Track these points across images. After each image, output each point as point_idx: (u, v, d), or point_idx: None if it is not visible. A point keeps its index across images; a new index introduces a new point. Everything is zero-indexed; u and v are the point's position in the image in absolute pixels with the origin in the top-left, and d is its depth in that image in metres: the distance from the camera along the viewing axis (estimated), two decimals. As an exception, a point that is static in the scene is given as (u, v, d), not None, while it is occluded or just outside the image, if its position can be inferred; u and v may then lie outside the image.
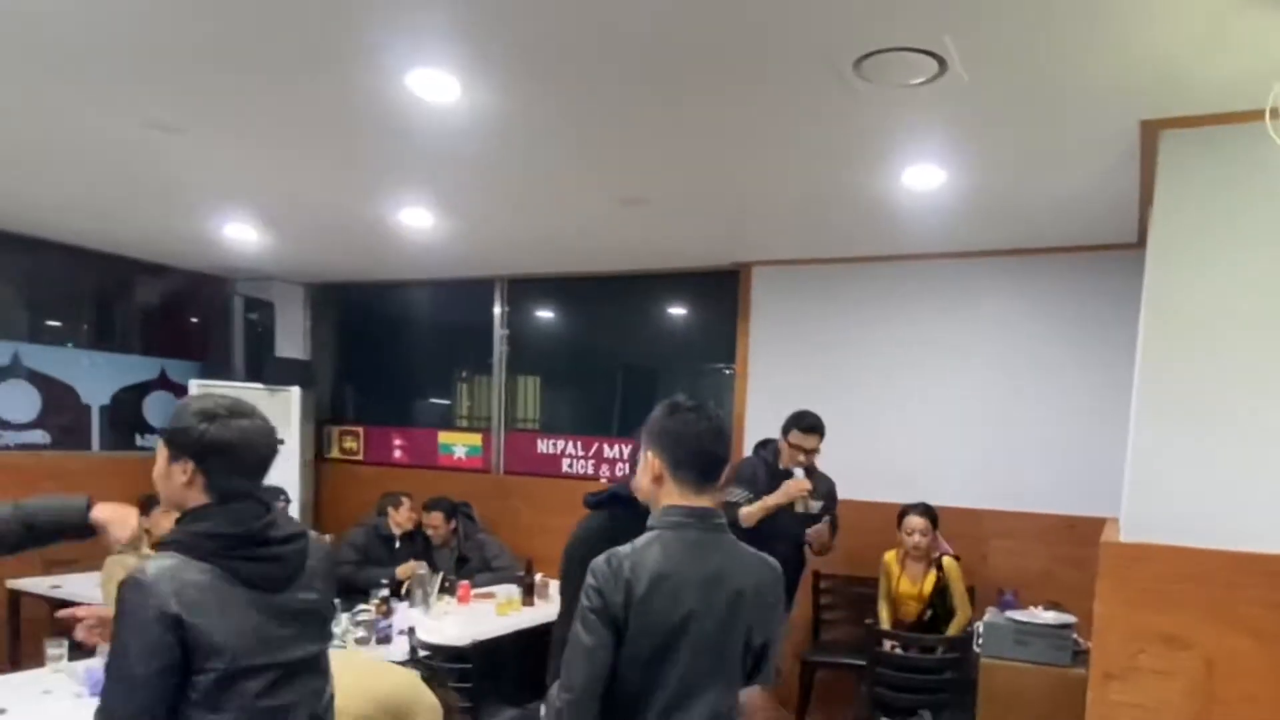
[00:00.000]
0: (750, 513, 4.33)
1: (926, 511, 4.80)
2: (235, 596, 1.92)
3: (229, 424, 1.98)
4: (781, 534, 4.34)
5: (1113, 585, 3.00)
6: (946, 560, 4.80)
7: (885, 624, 4.77)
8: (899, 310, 5.48)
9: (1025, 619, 4.12)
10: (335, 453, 7.59)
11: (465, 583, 5.27)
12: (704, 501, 2.10)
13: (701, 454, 2.10)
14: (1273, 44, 2.45)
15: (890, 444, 5.46)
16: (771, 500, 4.36)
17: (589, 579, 2.03)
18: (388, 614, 4.58)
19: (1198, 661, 2.94)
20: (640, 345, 6.61)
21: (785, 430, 4.53)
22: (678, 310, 6.55)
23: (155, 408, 7.20)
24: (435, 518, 5.63)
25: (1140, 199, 3.89)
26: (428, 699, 2.89)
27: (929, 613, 4.79)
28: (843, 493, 4.94)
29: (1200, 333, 3.01)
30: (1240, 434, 2.94)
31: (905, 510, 4.81)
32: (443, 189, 4.43)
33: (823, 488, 4.65)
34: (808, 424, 4.48)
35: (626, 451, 6.12)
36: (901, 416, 5.48)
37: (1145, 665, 2.99)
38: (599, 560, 2.04)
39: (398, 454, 7.30)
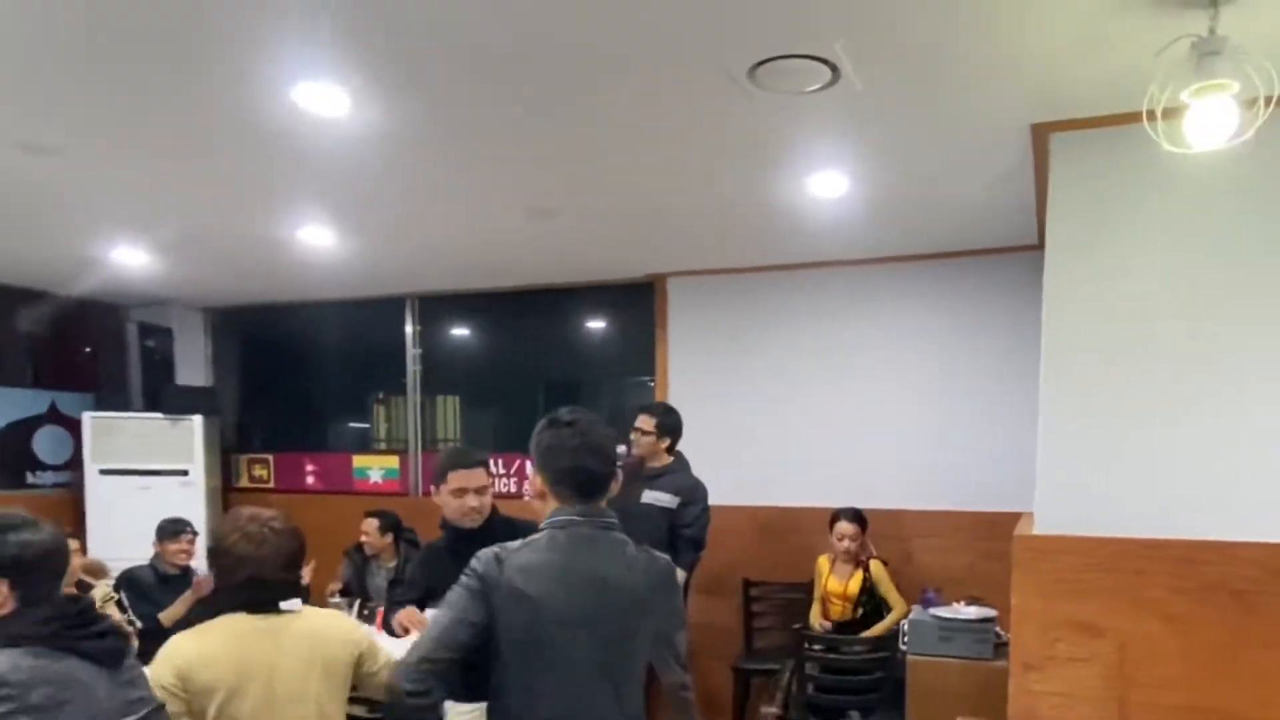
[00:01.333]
0: None
1: (856, 517, 4.89)
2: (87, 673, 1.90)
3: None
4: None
5: (1027, 577, 3.07)
6: (873, 564, 4.91)
7: (815, 626, 4.82)
8: (813, 316, 5.55)
9: (948, 615, 4.17)
10: (245, 481, 7.49)
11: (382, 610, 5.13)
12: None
13: (577, 470, 2.14)
14: (1148, 45, 2.54)
15: (814, 448, 5.54)
16: None
17: (472, 563, 2.10)
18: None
19: (1112, 647, 3.01)
20: (561, 360, 6.62)
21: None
22: (596, 324, 6.57)
23: (46, 443, 7.00)
24: (369, 524, 5.49)
25: (1036, 201, 3.99)
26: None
27: (859, 611, 4.86)
28: (772, 499, 5.08)
29: (1098, 329, 3.10)
30: (1141, 425, 3.04)
31: (836, 515, 4.90)
32: (340, 205, 4.38)
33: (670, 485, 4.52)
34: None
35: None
36: (824, 420, 5.55)
37: (1062, 654, 3.05)
38: (486, 550, 2.12)
39: (310, 480, 7.24)
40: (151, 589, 4.81)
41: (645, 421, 4.61)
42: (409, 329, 6.88)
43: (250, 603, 2.24)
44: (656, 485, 4.58)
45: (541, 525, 2.15)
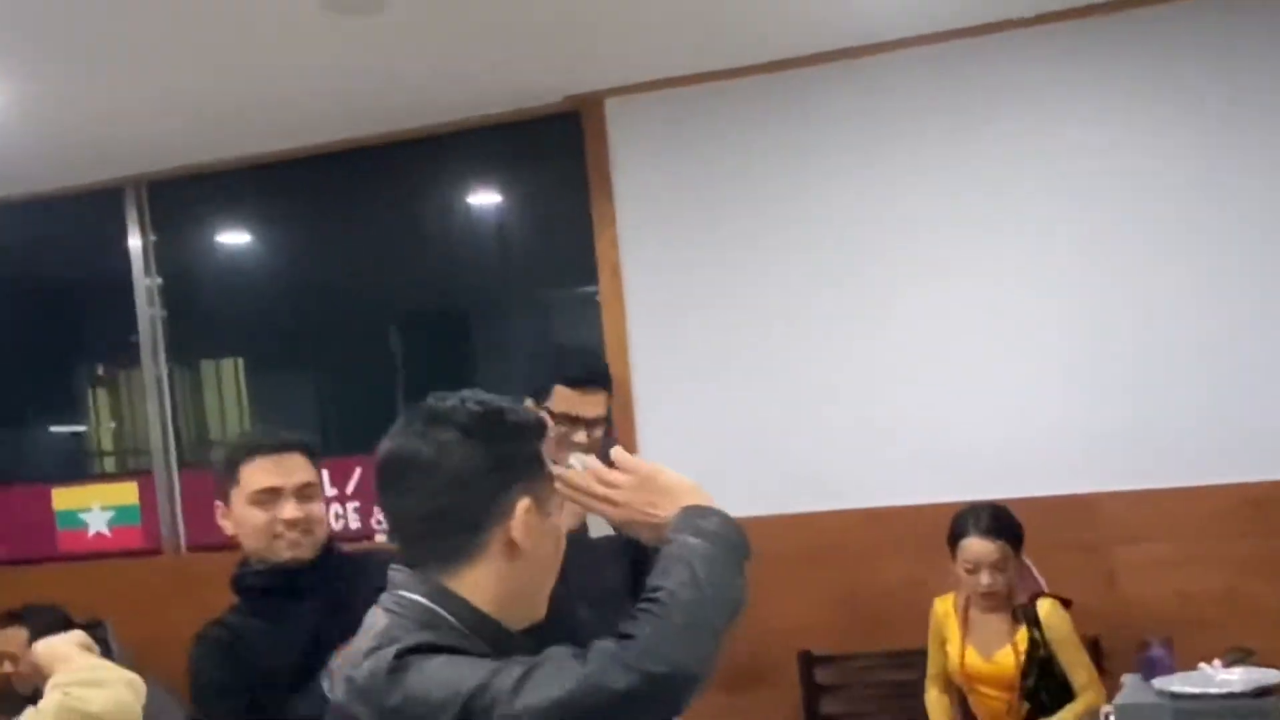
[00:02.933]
0: None
1: (997, 525, 4.77)
2: None
3: None
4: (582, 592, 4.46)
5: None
6: (1044, 606, 4.79)
7: None
8: (879, 149, 5.58)
9: (1191, 689, 4.05)
10: None
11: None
12: None
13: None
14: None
15: (899, 392, 5.57)
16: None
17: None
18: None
19: None
20: (428, 277, 6.84)
21: (537, 388, 4.19)
22: (482, 200, 6.76)
23: None
24: (12, 638, 5.38)
25: None
26: None
27: (1025, 706, 4.74)
28: (829, 499, 5.33)
29: None
30: None
31: (959, 526, 4.81)
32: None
33: None
34: (583, 371, 4.31)
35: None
36: (916, 340, 5.57)
37: None
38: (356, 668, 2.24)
39: None
40: None
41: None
42: (134, 242, 6.78)
43: None
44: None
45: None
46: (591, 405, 4.36)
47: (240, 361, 7.08)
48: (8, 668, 5.38)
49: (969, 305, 5.47)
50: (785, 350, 5.68)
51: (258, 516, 3.18)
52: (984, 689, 4.82)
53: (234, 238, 7.09)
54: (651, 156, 5.86)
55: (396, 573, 2.16)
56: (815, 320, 5.65)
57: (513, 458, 2.15)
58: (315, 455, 3.32)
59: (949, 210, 5.50)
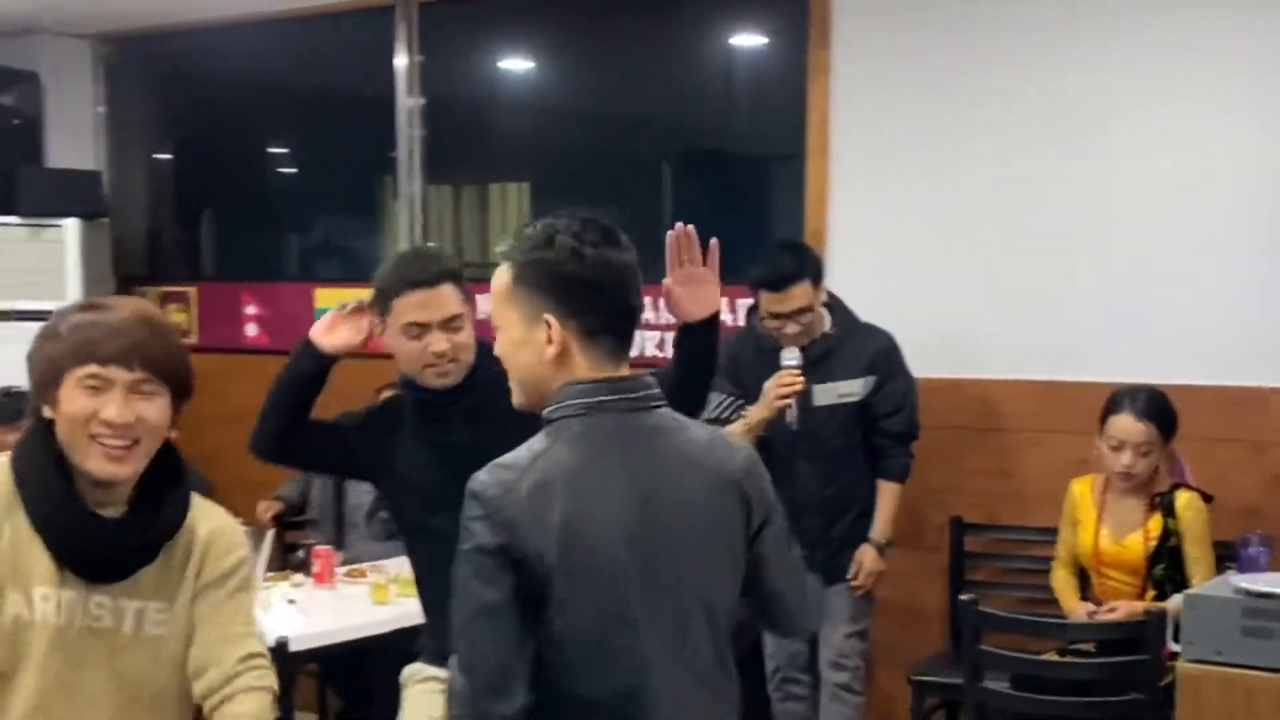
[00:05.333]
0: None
1: (1151, 408, 4.75)
2: None
3: None
4: (804, 450, 4.81)
5: None
6: (1183, 497, 4.78)
7: (1067, 604, 4.91)
8: (1097, 20, 5.40)
9: (1264, 588, 4.00)
10: None
11: (325, 550, 5.47)
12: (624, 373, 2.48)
13: (626, 309, 2.46)
14: None
15: (1088, 272, 5.47)
16: (754, 416, 4.72)
17: (470, 506, 2.33)
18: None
19: None
20: (688, 116, 6.79)
21: (749, 288, 4.88)
22: (747, 41, 6.61)
23: None
24: None
25: None
26: None
27: (1151, 594, 4.77)
28: (1007, 367, 5.35)
29: None
30: None
31: (1113, 404, 4.81)
32: None
33: (851, 361, 4.93)
34: (773, 275, 4.78)
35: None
36: (1105, 221, 5.44)
37: None
38: (481, 477, 2.35)
39: (251, 331, 7.45)
40: None
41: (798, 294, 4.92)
42: (400, 61, 6.71)
43: None
44: (827, 371, 4.94)
45: (554, 412, 2.41)
46: (789, 301, 4.75)
47: (528, 186, 7.09)
48: None
49: (1176, 187, 5.30)
50: (981, 218, 5.61)
51: (408, 346, 3.34)
52: (1110, 573, 4.83)
53: (497, 63, 7.02)
54: (872, 13, 5.74)
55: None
56: (1017, 192, 5.55)
57: None
58: (462, 282, 3.43)
59: (1164, 90, 5.33)
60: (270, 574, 5.26)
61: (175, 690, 2.64)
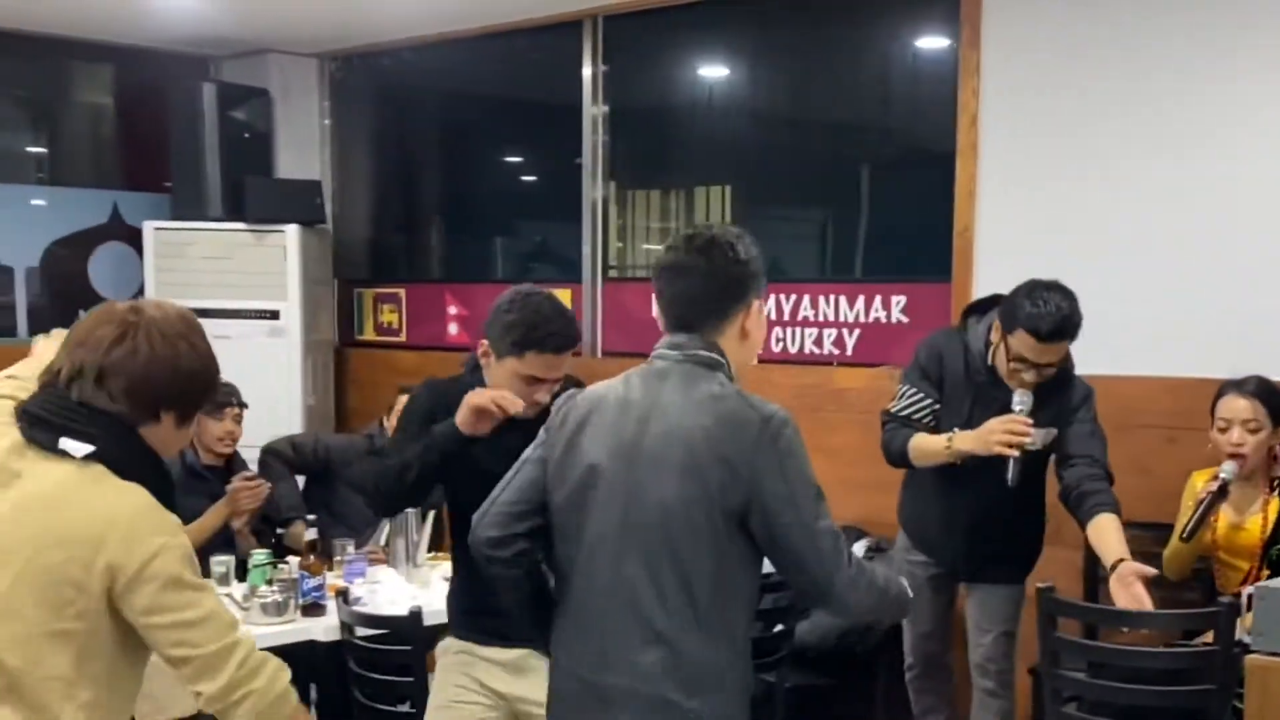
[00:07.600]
0: (923, 449, 4.63)
1: (1259, 390, 4.74)
2: None
3: None
4: (969, 476, 4.64)
5: None
6: None
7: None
8: (1252, 25, 5.31)
9: None
10: (368, 332, 7.99)
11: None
12: None
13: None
14: None
15: (1227, 275, 5.42)
16: (963, 445, 4.52)
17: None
18: (320, 569, 4.90)
19: None
20: (875, 120, 6.94)
21: (1005, 319, 4.54)
22: (932, 44, 6.58)
23: (106, 265, 7.73)
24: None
25: None
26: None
27: (1265, 573, 4.65)
28: (1140, 363, 5.31)
29: None
30: None
31: (1222, 389, 4.82)
32: None
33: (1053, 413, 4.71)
34: (1048, 328, 4.44)
35: (858, 307, 6.51)
36: (1245, 226, 5.38)
37: None
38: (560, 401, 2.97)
39: (453, 330, 7.60)
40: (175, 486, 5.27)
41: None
42: (587, 71, 7.00)
43: None
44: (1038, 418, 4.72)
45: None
46: (1050, 354, 4.56)
47: (727, 189, 7.10)
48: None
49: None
50: (1124, 225, 5.58)
51: (517, 387, 3.48)
52: (1228, 557, 4.78)
53: (677, 71, 7.06)
54: (1023, 13, 5.73)
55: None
56: (1160, 192, 5.50)
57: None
58: (578, 341, 3.66)
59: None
60: (431, 553, 5.31)
61: None
